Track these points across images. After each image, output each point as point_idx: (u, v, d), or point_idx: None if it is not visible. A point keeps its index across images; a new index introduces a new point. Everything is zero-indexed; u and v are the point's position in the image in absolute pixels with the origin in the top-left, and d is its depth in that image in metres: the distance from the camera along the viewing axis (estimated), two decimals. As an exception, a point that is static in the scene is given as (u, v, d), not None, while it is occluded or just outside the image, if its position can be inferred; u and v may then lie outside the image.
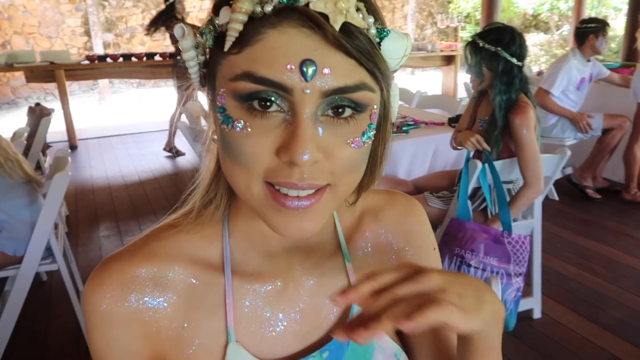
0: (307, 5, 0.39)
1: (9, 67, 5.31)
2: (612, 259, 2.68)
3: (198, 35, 0.45)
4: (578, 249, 2.83)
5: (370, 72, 0.42)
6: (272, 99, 0.41)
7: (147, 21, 10.57)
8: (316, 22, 0.39)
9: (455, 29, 12.15)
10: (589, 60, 3.40)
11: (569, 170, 3.76)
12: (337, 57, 0.40)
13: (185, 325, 0.52)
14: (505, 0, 10.60)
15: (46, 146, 3.27)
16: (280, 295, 0.56)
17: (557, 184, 3.66)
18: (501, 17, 8.09)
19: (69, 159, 1.95)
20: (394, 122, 0.51)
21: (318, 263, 0.58)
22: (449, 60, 7.29)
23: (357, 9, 0.41)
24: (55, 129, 3.01)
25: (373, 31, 0.43)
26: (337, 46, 0.40)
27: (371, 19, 0.42)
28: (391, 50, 0.45)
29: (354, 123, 0.43)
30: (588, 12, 10.48)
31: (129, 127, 6.75)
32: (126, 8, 9.88)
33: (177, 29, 0.44)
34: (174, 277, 0.51)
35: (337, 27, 0.39)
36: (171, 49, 6.55)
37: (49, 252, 1.89)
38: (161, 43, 10.19)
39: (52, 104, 4.57)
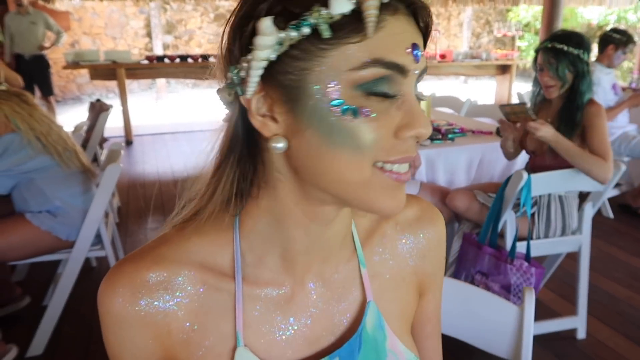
0: None
1: (76, 64, 5.63)
2: (669, 283, 2.53)
3: (285, 31, 0.42)
4: (631, 270, 2.68)
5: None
6: (390, 83, 0.43)
7: (205, 24, 10.91)
8: (416, 13, 0.45)
9: (513, 38, 11.81)
10: (609, 67, 3.27)
11: (625, 188, 3.58)
12: (421, 40, 0.46)
13: (195, 327, 0.52)
14: (568, 9, 10.20)
15: (103, 140, 3.45)
16: (292, 299, 0.55)
17: (612, 202, 3.50)
18: (562, 27, 7.78)
19: (122, 151, 2.06)
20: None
21: (333, 268, 0.57)
22: (504, 69, 7.10)
23: None
24: (114, 124, 3.17)
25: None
26: (423, 33, 0.47)
27: None
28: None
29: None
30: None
31: (183, 125, 6.98)
32: (186, 11, 10.26)
33: (264, 23, 0.41)
34: (183, 281, 0.52)
35: (429, 18, 0.46)
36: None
37: (98, 239, 1.99)
38: (217, 45, 10.52)
39: (113, 100, 4.80)
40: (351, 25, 0.41)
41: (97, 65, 5.63)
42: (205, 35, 10.49)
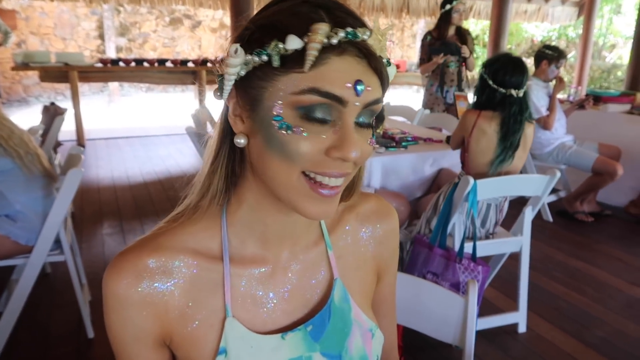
0: (363, 41, 0.52)
1: (25, 66, 5.45)
2: (601, 281, 2.75)
3: (250, 54, 0.53)
4: (569, 269, 2.90)
5: (383, 90, 0.56)
6: (327, 110, 0.52)
7: (160, 28, 10.71)
8: (366, 54, 0.52)
9: (463, 50, 12.28)
10: (545, 81, 3.56)
11: (563, 194, 3.85)
12: (374, 79, 0.54)
13: (190, 304, 0.61)
14: (513, 24, 10.75)
15: (57, 144, 3.38)
16: (271, 277, 0.65)
17: (552, 207, 3.75)
18: (508, 41, 8.21)
19: (82, 156, 2.05)
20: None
21: (304, 250, 0.68)
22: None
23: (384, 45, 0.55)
24: (65, 127, 3.11)
25: (385, 60, 0.56)
26: (375, 71, 0.54)
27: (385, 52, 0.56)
28: (390, 73, 0.58)
29: (368, 127, 0.56)
30: (595, 40, 10.62)
31: (137, 130, 6.87)
32: (141, 14, 10.08)
33: (232, 48, 0.53)
34: (179, 265, 0.61)
35: (380, 59, 0.54)
36: (182, 56, 6.71)
37: (57, 245, 1.97)
38: (172, 50, 10.38)
39: (63, 103, 4.68)
40: (299, 58, 0.51)
41: (48, 68, 5.48)
42: (160, 39, 10.33)
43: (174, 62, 6.17)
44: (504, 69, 2.11)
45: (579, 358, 2.06)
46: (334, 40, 0.50)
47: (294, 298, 0.66)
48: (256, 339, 0.62)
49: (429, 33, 4.24)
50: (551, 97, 3.52)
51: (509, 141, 2.13)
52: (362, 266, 0.73)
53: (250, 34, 0.54)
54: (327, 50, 0.51)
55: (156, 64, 5.97)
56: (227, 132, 0.60)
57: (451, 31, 4.12)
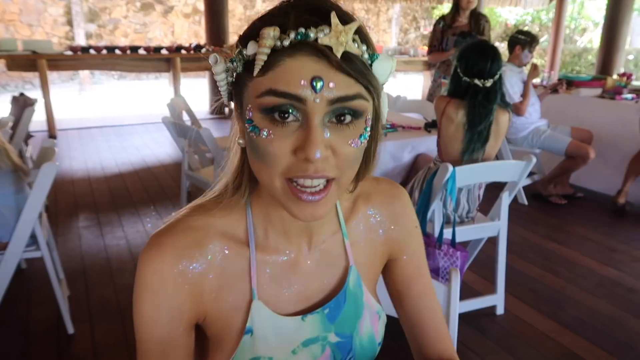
0: (315, 40, 0.52)
1: (-10, 54, 5.26)
2: (573, 262, 2.84)
3: (228, 62, 0.56)
4: (543, 251, 2.98)
5: (365, 86, 0.54)
6: (290, 110, 0.52)
7: (131, 13, 10.46)
8: (323, 52, 0.51)
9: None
10: (519, 66, 3.61)
11: (537, 178, 3.93)
12: (340, 76, 0.52)
13: (222, 286, 0.65)
14: (487, 9, 10.83)
15: (28, 136, 3.28)
16: (292, 265, 0.69)
17: (527, 190, 3.83)
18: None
19: (56, 149, 2.00)
20: (383, 123, 0.64)
21: (322, 239, 0.72)
22: (430, 65, 7.44)
23: (354, 40, 0.53)
24: (35, 118, 3.01)
25: (366, 56, 0.55)
26: (339, 69, 0.52)
27: (364, 47, 0.54)
28: (380, 69, 0.57)
29: (353, 127, 0.55)
30: (567, 24, 10.79)
31: (110, 119, 6.73)
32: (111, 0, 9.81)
33: (211, 58, 0.55)
34: (213, 248, 0.64)
35: (338, 55, 0.52)
36: (154, 42, 6.58)
37: (33, 240, 1.93)
38: (144, 36, 10.14)
39: (31, 92, 4.54)
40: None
41: (15, 56, 5.29)
42: (132, 25, 10.09)
43: (147, 49, 6.03)
44: (469, 57, 2.10)
45: (554, 337, 2.13)
46: (286, 43, 0.51)
47: (313, 283, 0.71)
48: (279, 320, 0.67)
49: (442, 18, 4.09)
50: (525, 84, 3.57)
51: (475, 130, 2.11)
52: (372, 251, 0.76)
53: (236, 44, 0.57)
54: (281, 52, 0.51)
55: (128, 52, 5.84)
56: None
57: (464, 17, 3.95)
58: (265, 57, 0.52)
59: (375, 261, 0.77)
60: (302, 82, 0.51)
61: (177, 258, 0.62)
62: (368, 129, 0.57)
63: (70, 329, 2.07)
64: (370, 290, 0.75)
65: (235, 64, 0.56)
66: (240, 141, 0.61)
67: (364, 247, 0.75)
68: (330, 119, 0.54)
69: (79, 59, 5.71)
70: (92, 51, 5.75)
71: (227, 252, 0.65)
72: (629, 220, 3.47)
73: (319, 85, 0.51)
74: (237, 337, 0.65)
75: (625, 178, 3.50)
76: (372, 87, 0.55)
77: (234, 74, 0.57)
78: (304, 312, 0.69)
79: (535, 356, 2.02)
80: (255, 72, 0.52)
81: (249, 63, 0.54)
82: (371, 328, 0.75)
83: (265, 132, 0.54)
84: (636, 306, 2.38)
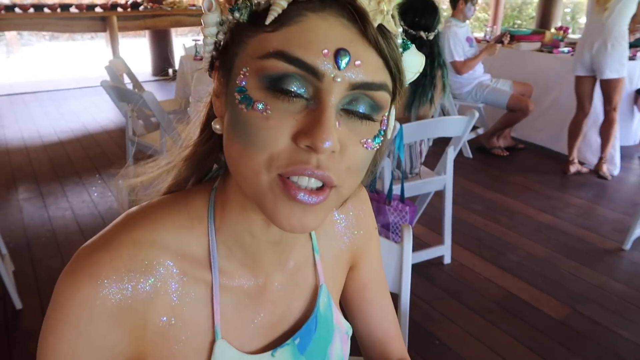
0: None
1: None
2: (514, 210, 3.01)
3: (227, 13, 0.44)
4: (486, 201, 3.13)
5: (393, 76, 0.44)
6: (296, 83, 0.40)
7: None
8: (360, 15, 0.40)
9: None
10: (464, 20, 3.69)
11: (481, 131, 4.08)
12: (370, 53, 0.41)
13: (173, 321, 0.50)
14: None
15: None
16: (260, 290, 0.56)
17: (471, 144, 3.97)
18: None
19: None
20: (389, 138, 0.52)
21: (292, 256, 0.60)
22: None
23: (392, 16, 0.43)
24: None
25: (399, 41, 0.45)
26: (373, 43, 0.41)
27: (400, 29, 0.44)
28: (410, 63, 0.47)
29: (367, 125, 0.44)
30: (508, -22, 10.91)
31: (44, 83, 6.33)
32: (33, -49, 9.02)
33: (206, 2, 0.44)
34: (164, 272, 0.49)
35: (375, 24, 0.41)
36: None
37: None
38: (76, -8, 9.46)
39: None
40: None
41: None
42: (60, -20, 9.36)
43: (79, 7, 5.65)
44: (413, 10, 2.09)
45: (496, 281, 2.27)
46: None
47: (279, 309, 0.59)
48: None
49: None
50: (476, 56, 3.65)
51: (420, 84, 2.14)
52: (338, 263, 0.66)
53: None
54: (307, 5, 0.40)
55: (58, 10, 5.44)
56: (212, 116, 0.50)
57: None
58: (285, 4, 0.40)
59: (341, 274, 0.67)
60: (325, 50, 0.39)
61: (116, 283, 0.46)
62: (382, 132, 0.46)
63: (18, 304, 2.02)
64: (338, 306, 0.65)
65: (237, 12, 0.43)
66: (217, 126, 0.47)
67: (331, 259, 0.64)
68: (345, 106, 0.42)
69: (3, 18, 5.28)
70: (17, 10, 5.33)
71: (181, 275, 0.50)
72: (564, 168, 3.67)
73: (344, 61, 0.39)
74: None
75: (569, 147, 3.54)
76: (399, 79, 0.45)
77: (230, 29, 0.45)
78: (273, 346, 0.57)
79: (477, 298, 2.15)
80: (268, 20, 0.40)
81: (257, 14, 0.42)
82: (341, 351, 0.65)
83: (260, 105, 0.41)
84: (568, 247, 2.56)
